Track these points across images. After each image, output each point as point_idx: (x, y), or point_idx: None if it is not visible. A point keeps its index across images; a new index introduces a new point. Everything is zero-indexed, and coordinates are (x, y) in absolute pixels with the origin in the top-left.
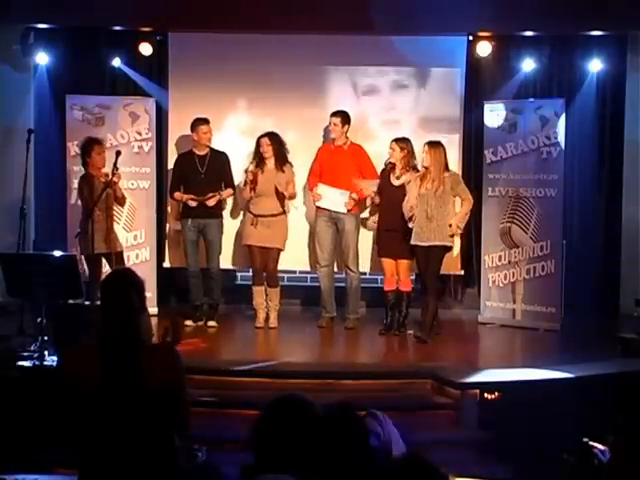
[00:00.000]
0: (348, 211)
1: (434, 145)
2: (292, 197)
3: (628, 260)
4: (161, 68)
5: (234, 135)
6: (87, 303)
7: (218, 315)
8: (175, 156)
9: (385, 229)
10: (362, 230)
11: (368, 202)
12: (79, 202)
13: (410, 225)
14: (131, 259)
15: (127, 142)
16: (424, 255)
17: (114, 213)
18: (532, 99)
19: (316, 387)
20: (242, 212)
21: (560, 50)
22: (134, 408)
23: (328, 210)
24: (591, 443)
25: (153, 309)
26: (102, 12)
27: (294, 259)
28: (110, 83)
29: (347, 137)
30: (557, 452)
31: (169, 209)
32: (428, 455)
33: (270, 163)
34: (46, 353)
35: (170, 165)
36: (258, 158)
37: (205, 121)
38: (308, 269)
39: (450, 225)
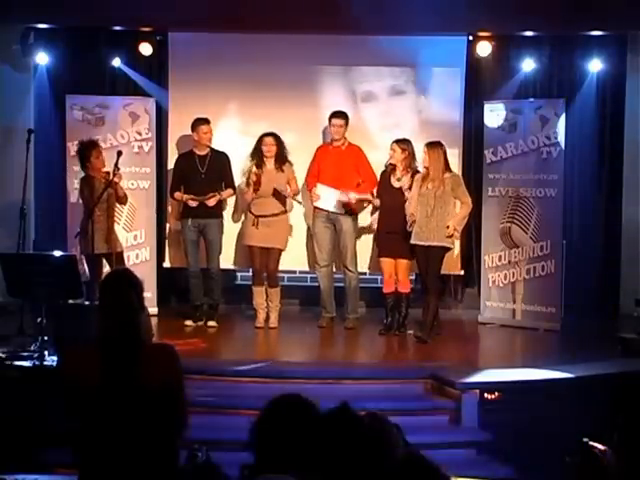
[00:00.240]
0: (346, 212)
1: (433, 145)
2: (296, 193)
3: (628, 260)
4: (161, 68)
5: (234, 135)
6: (87, 303)
7: (218, 315)
8: (175, 156)
9: (385, 231)
10: (361, 230)
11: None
12: (80, 201)
13: (409, 229)
14: (131, 259)
15: (127, 142)
16: (424, 255)
17: (114, 213)
18: (532, 99)
19: (316, 387)
20: (243, 212)
21: (560, 50)
22: (134, 408)
23: (326, 210)
24: (591, 443)
25: (153, 309)
26: (102, 12)
27: (294, 259)
28: (110, 83)
29: (345, 137)
30: (557, 452)
31: (169, 209)
32: (428, 455)
33: (270, 163)
34: (46, 353)
35: (170, 165)
36: (258, 158)
37: (205, 121)
38: (308, 269)
39: (448, 227)
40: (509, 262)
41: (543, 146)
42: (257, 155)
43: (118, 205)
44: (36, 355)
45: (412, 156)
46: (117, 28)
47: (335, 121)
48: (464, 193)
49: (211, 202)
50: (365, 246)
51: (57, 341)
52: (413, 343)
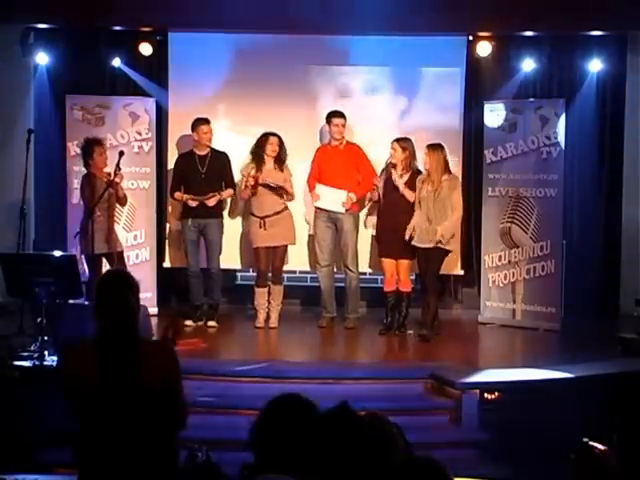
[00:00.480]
0: (346, 211)
1: (434, 148)
2: (290, 198)
3: (628, 260)
4: (161, 68)
5: (234, 135)
6: (87, 303)
7: (218, 315)
8: (175, 156)
9: (386, 230)
10: (362, 230)
11: (367, 201)
12: (81, 202)
13: (407, 238)
14: (131, 259)
15: (127, 142)
16: (424, 256)
17: (115, 213)
18: (532, 99)
19: (316, 387)
20: (242, 212)
21: (560, 50)
22: (133, 407)
23: (327, 210)
24: (591, 443)
25: (153, 309)
26: (102, 12)
27: (294, 259)
28: (110, 83)
29: (343, 137)
30: (557, 452)
31: (169, 209)
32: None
33: (270, 163)
34: (46, 353)
35: (170, 165)
36: (259, 158)
37: (205, 121)
38: (308, 269)
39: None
40: (509, 262)
41: (543, 146)
42: (258, 155)
43: (118, 206)
44: (36, 355)
45: (413, 155)
46: (117, 28)
47: (337, 120)
48: (457, 198)
49: (211, 202)
50: (366, 246)
51: (57, 341)
52: (413, 343)
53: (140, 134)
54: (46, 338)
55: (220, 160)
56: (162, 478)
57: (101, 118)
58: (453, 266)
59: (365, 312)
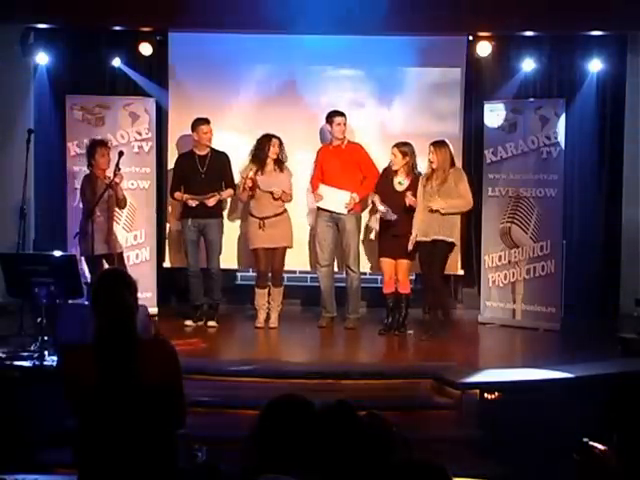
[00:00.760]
0: (349, 211)
1: (439, 144)
2: (288, 200)
3: (628, 260)
4: (161, 68)
5: (234, 135)
6: (87, 303)
7: (218, 315)
8: (175, 156)
9: (386, 233)
10: (363, 230)
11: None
12: (80, 202)
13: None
14: (131, 259)
15: (127, 142)
16: (427, 251)
17: (114, 214)
18: (532, 99)
19: (316, 387)
20: (242, 212)
21: (560, 50)
22: (132, 406)
23: (329, 211)
24: (591, 443)
25: (153, 309)
26: (102, 12)
27: (294, 259)
28: (110, 83)
29: (345, 136)
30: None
31: (169, 209)
32: (428, 455)
33: (270, 165)
34: (46, 353)
35: (170, 165)
36: (259, 159)
37: (205, 121)
38: (308, 269)
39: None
40: (509, 262)
41: (543, 146)
42: (259, 157)
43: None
44: (36, 355)
45: (413, 160)
46: (117, 28)
47: (338, 119)
48: (465, 189)
49: (211, 202)
50: (366, 246)
51: (57, 341)
52: (413, 343)
53: (140, 134)
54: (46, 338)
55: (220, 160)
56: (162, 478)
57: (101, 118)
58: (453, 266)
59: (365, 312)
